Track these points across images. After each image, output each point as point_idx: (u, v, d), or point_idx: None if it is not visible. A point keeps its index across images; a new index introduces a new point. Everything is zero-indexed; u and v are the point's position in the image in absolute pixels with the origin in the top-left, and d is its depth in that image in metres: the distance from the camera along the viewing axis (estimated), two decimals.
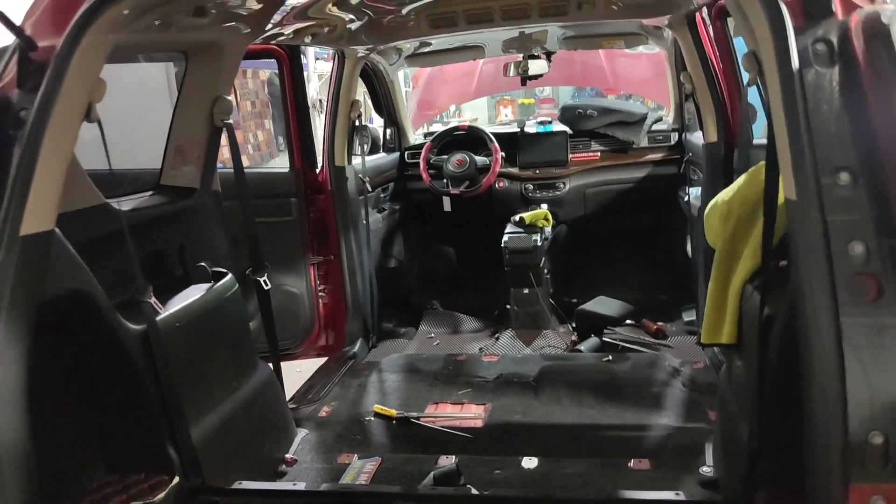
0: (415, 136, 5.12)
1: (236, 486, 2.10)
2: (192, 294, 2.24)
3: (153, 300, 1.98)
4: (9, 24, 1.55)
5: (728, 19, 3.28)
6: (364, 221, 4.05)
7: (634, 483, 2.31)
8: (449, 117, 14.77)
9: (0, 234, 1.45)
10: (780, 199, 1.79)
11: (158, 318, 2.01)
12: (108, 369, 1.92)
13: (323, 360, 4.02)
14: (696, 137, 3.88)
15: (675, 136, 4.50)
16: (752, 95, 3.07)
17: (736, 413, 1.96)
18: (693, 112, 4.10)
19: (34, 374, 1.52)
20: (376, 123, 5.06)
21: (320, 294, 3.97)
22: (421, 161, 4.60)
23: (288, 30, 2.90)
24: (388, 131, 4.85)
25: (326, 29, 3.17)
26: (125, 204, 2.16)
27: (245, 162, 8.49)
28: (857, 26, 1.19)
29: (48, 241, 1.57)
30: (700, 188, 3.73)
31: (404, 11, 3.23)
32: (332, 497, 2.07)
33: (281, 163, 7.76)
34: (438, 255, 5.13)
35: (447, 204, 4.66)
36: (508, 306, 4.29)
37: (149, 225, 2.25)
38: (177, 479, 2.00)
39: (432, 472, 2.34)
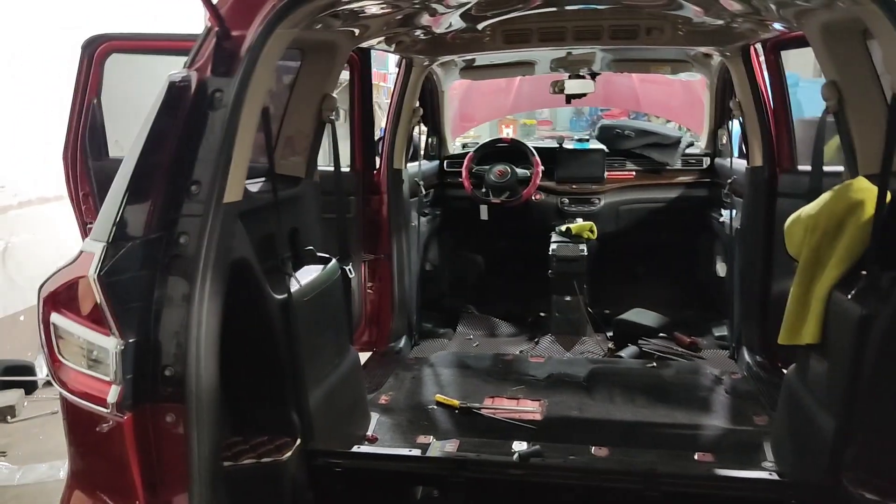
0: (453, 146, 5.32)
1: (354, 449, 2.25)
2: (310, 274, 2.40)
3: (295, 274, 2.14)
4: (212, 9, 1.72)
5: (781, 53, 3.53)
6: (414, 224, 4.22)
7: (705, 472, 2.49)
8: (464, 136, 15.03)
9: (207, 201, 1.62)
10: (866, 214, 2.03)
11: (294, 290, 2.17)
12: (253, 334, 2.07)
13: (365, 354, 4.18)
14: (737, 163, 4.11)
15: (706, 161, 4.74)
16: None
17: (813, 407, 2.16)
18: (725, 138, 4.35)
19: (222, 332, 1.68)
20: None
21: (368, 291, 4.13)
22: (463, 170, 4.78)
23: (381, 35, 3.09)
24: (430, 140, 5.04)
25: (408, 38, 3.36)
26: (253, 187, 2.32)
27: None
28: None
29: (237, 210, 1.74)
30: (735, 210, 3.96)
31: (481, 26, 3.44)
32: (445, 463, 2.23)
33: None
34: (468, 262, 5.31)
35: (484, 212, 4.85)
36: (544, 313, 4.48)
37: (267, 207, 2.41)
38: (298, 441, 2.15)
39: (517, 453, 2.50)
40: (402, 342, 4.15)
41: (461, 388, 3.45)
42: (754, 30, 3.16)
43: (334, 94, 2.78)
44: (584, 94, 4.57)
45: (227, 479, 1.85)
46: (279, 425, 2.13)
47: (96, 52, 3.56)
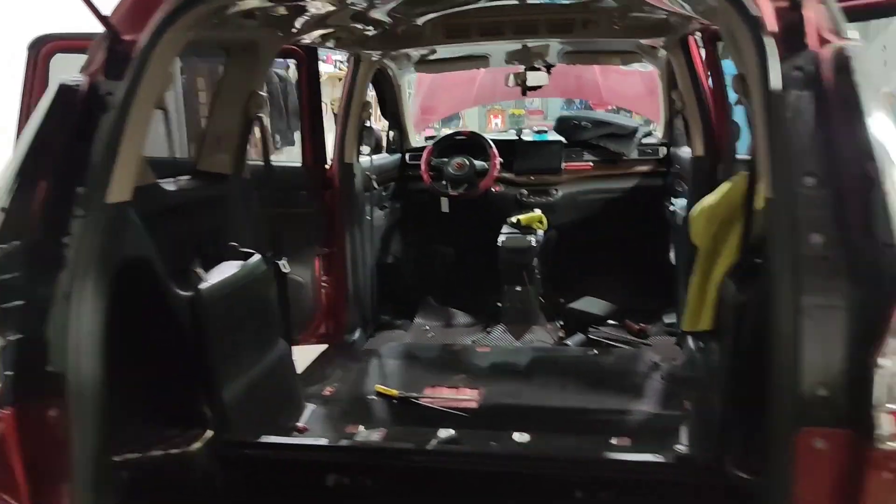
0: (416, 140, 5.37)
1: (263, 439, 2.32)
2: (228, 269, 2.46)
3: (200, 270, 2.20)
4: (100, 17, 1.78)
5: (718, 43, 3.58)
6: (368, 217, 4.28)
7: (594, 456, 2.55)
8: (446, 125, 15.07)
9: (89, 202, 1.68)
10: (758, 203, 2.08)
11: (202, 287, 2.23)
12: (158, 332, 2.13)
13: (321, 347, 4.24)
14: (684, 152, 4.17)
15: (663, 151, 4.78)
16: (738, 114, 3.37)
17: (708, 391, 2.23)
18: (681, 128, 4.40)
19: (111, 332, 1.74)
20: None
21: (323, 284, 4.19)
22: (422, 163, 4.83)
23: (316, 33, 3.14)
24: (392, 133, 5.09)
25: (348, 34, 3.41)
26: (169, 185, 2.38)
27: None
28: (828, 58, 1.46)
29: (126, 210, 1.79)
30: (685, 199, 4.02)
31: (420, 22, 3.48)
32: (354, 452, 2.30)
33: (277, 159, 7.93)
34: (434, 254, 5.36)
35: (445, 205, 4.90)
36: (500, 303, 4.54)
37: (188, 206, 2.47)
38: (209, 433, 2.22)
39: (435, 440, 2.57)
40: (357, 334, 4.21)
41: (404, 378, 3.52)
42: (686, 23, 3.21)
43: (261, 93, 2.83)
44: (541, 87, 4.62)
45: (125, 473, 1.92)
46: (191, 418, 2.20)
47: (41, 52, 3.60)
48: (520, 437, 2.78)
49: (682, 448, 2.58)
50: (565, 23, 3.40)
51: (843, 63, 1.45)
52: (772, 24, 1.53)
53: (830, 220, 1.38)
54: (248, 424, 2.42)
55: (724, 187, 2.27)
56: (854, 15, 1.66)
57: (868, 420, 1.28)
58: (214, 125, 2.75)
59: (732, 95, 3.75)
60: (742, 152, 3.47)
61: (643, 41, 3.97)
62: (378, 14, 2.94)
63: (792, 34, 1.50)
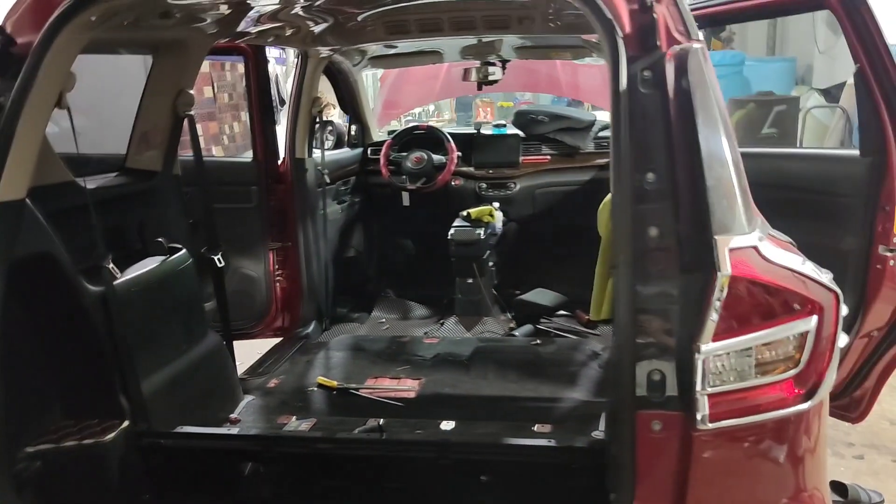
0: (379, 134, 5.42)
1: (178, 430, 2.39)
2: (149, 264, 2.53)
3: (111, 266, 2.27)
4: None
5: None
6: (322, 212, 4.34)
7: (492, 441, 2.62)
8: (428, 117, 15.09)
9: None
10: None
11: (116, 282, 2.29)
12: (68, 325, 2.20)
13: (277, 340, 4.31)
14: None
15: None
16: None
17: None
18: None
19: (4, 326, 1.80)
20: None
21: (278, 278, 4.25)
22: (381, 157, 4.88)
23: (252, 31, 3.18)
24: (353, 128, 5.14)
25: (290, 31, 3.46)
26: (91, 182, 2.44)
27: (219, 152, 8.75)
28: (671, 59, 1.52)
29: (20, 208, 1.85)
30: None
31: (360, 18, 3.53)
32: (259, 440, 2.37)
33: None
34: (396, 247, 5.43)
35: (405, 199, 4.95)
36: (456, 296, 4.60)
37: (112, 202, 2.53)
38: (125, 423, 2.29)
39: (357, 429, 2.64)
40: (311, 327, 4.28)
41: (348, 369, 3.59)
42: None
43: (191, 91, 2.89)
44: (496, 82, 4.67)
45: (38, 462, 1.99)
46: (107, 409, 2.27)
47: None
48: (446, 425, 2.84)
49: (598, 434, 2.64)
50: (501, 19, 3.44)
51: (681, 63, 1.50)
52: (625, 26, 1.58)
53: (667, 213, 1.43)
54: (172, 416, 2.49)
55: None
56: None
57: (692, 403, 1.35)
58: (143, 123, 2.81)
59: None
60: None
61: (584, 37, 4.01)
62: (303, 11, 2.98)
63: (644, 36, 1.56)
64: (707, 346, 1.32)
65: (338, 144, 5.02)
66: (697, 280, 1.36)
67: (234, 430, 2.52)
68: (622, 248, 1.45)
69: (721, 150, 1.41)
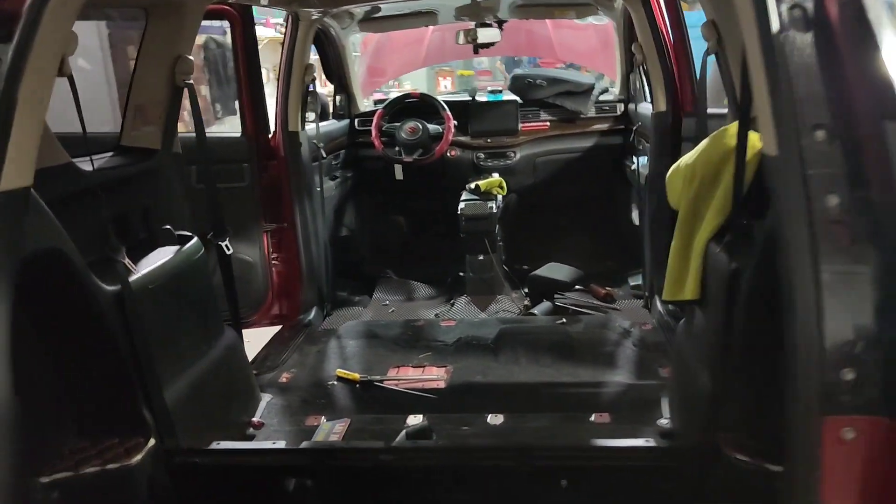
0: (364, 104, 5.08)
1: (213, 446, 2.10)
2: (161, 256, 2.20)
3: (126, 260, 1.94)
4: None
5: None
6: (318, 188, 4.02)
7: (597, 434, 2.42)
8: (388, 88, 14.64)
9: None
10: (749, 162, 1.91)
11: (132, 278, 1.97)
12: (81, 331, 1.88)
13: (275, 328, 4.00)
14: (643, 107, 4.00)
15: (620, 107, 4.62)
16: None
17: (695, 364, 2.08)
18: (639, 83, 4.23)
19: (12, 336, 1.48)
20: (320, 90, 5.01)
21: (274, 262, 3.94)
22: (373, 128, 4.57)
23: None
24: (339, 98, 4.80)
25: None
26: (86, 164, 2.09)
27: (182, 128, 8.23)
28: None
29: (26, 197, 1.52)
30: (646, 157, 3.87)
31: None
32: (310, 454, 2.09)
33: (217, 131, 7.52)
34: (389, 224, 5.14)
35: (399, 172, 4.66)
36: (462, 273, 4.36)
37: (112, 186, 2.19)
38: (152, 441, 1.98)
39: (404, 430, 2.39)
40: (313, 313, 3.99)
41: (366, 359, 3.32)
42: None
43: (190, 57, 2.54)
44: (493, 44, 4.37)
45: (55, 493, 1.68)
46: (129, 426, 1.96)
47: None
48: (494, 419, 2.62)
49: (664, 423, 2.45)
50: None
51: None
52: None
53: (845, 177, 1.21)
54: (197, 427, 2.20)
55: (702, 144, 2.10)
56: None
57: None
58: (138, 95, 2.46)
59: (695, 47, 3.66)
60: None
61: None
62: None
63: None
64: None
65: (322, 116, 4.66)
66: None
67: (280, 444, 2.23)
68: (790, 223, 1.22)
69: None
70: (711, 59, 2.43)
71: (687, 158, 2.13)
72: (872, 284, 1.17)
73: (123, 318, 1.92)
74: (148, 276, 2.05)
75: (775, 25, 1.29)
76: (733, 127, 2.02)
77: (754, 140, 1.86)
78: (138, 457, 1.90)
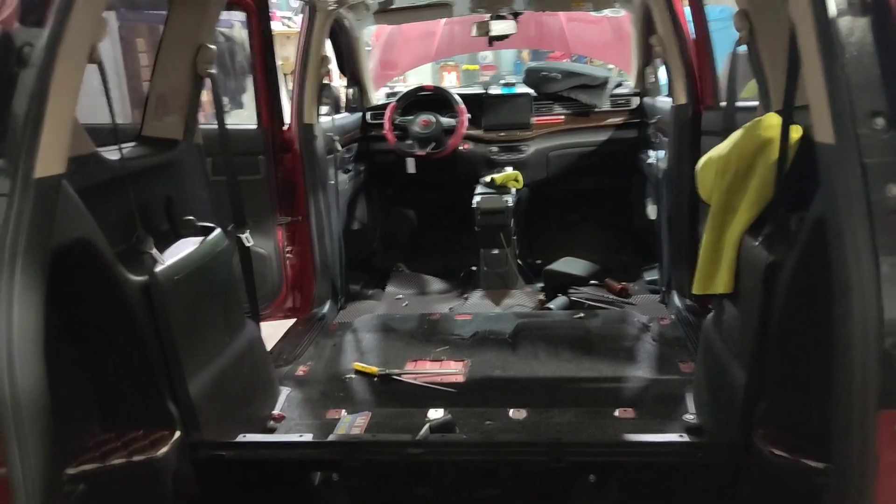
0: (376, 97, 5.05)
1: (240, 439, 2.08)
2: (185, 247, 2.17)
3: (154, 251, 1.92)
4: None
5: None
6: (332, 181, 3.99)
7: (623, 430, 2.40)
8: (394, 82, 14.59)
9: (13, 177, 1.37)
10: (776, 153, 1.88)
11: (157, 269, 1.94)
12: (108, 322, 1.85)
13: (289, 322, 3.97)
14: (660, 101, 3.97)
15: (635, 101, 4.58)
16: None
17: (727, 359, 2.05)
18: (654, 76, 4.19)
19: (42, 328, 1.46)
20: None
21: (287, 255, 3.91)
22: (386, 121, 4.54)
23: None
24: (351, 91, 4.77)
25: None
26: (112, 154, 2.07)
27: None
28: None
29: (59, 185, 1.50)
30: (663, 151, 3.84)
31: None
32: (337, 447, 2.07)
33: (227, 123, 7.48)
34: (400, 218, 5.12)
35: (411, 166, 4.63)
36: (475, 267, 4.33)
37: (134, 176, 2.16)
38: (178, 434, 1.96)
39: (428, 424, 2.36)
40: (327, 307, 3.96)
41: (383, 353, 3.30)
42: None
43: (212, 45, 2.50)
44: (507, 36, 4.34)
45: (83, 485, 1.66)
46: (155, 418, 1.94)
47: None
48: (516, 413, 2.60)
49: (690, 418, 2.43)
50: None
51: None
52: None
53: None
54: (220, 420, 2.17)
55: (735, 136, 2.07)
56: None
57: None
58: (160, 85, 2.43)
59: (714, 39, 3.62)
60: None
61: None
62: None
63: None
64: None
65: (335, 109, 4.63)
66: None
67: (307, 437, 2.21)
68: (846, 214, 1.19)
69: None
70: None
71: (720, 150, 2.10)
72: None
73: (150, 309, 1.90)
74: (174, 267, 2.02)
75: (832, 10, 1.26)
76: (768, 118, 1.99)
77: (791, 130, 1.83)
78: (164, 449, 1.88)
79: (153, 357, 1.92)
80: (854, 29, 1.26)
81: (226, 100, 8.77)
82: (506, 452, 1.96)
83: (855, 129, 1.21)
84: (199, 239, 2.25)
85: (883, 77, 1.23)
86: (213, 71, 2.51)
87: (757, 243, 1.82)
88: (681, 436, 2.06)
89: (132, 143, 2.33)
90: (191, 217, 2.32)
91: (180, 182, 2.42)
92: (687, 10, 3.44)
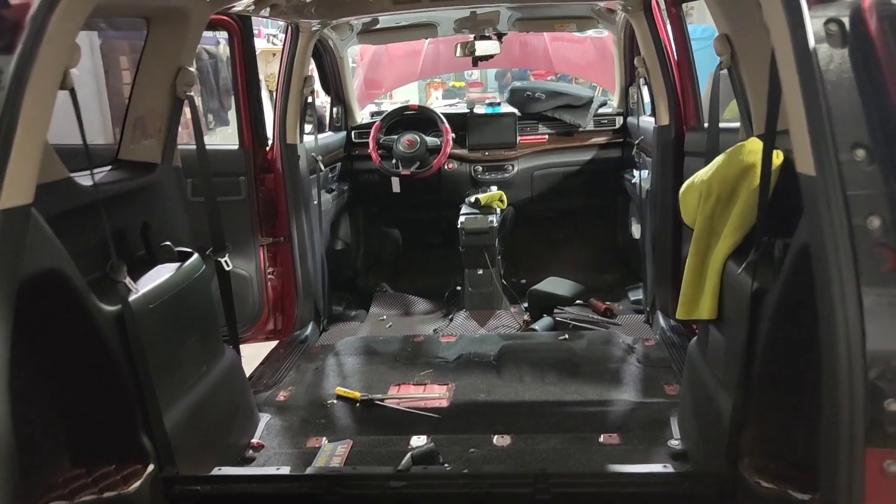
0: (360, 116, 5.04)
1: (215, 472, 2.02)
2: (162, 274, 2.13)
3: (127, 280, 1.87)
4: None
5: (683, 5, 3.37)
6: (315, 201, 3.96)
7: (608, 457, 2.37)
8: (381, 99, 14.62)
9: None
10: (759, 178, 1.87)
11: (132, 298, 1.90)
12: (79, 354, 1.80)
13: (271, 344, 3.92)
14: (644, 121, 3.98)
15: (619, 120, 4.60)
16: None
17: (712, 385, 2.03)
18: (637, 96, 4.21)
19: (10, 361, 1.41)
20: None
21: (269, 276, 3.87)
22: (370, 141, 4.52)
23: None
24: (335, 110, 4.75)
25: (284, 1, 3.06)
26: (86, 179, 2.02)
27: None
28: (869, 7, 1.24)
29: (27, 215, 1.45)
30: (647, 170, 3.84)
31: None
32: (315, 480, 2.02)
33: (211, 142, 7.45)
34: (385, 237, 5.09)
35: (396, 185, 4.61)
36: (460, 287, 4.30)
37: (110, 201, 2.11)
38: (151, 467, 1.90)
39: (410, 453, 2.32)
40: (309, 329, 3.91)
41: (365, 377, 3.25)
42: None
43: (191, 68, 2.47)
44: (492, 56, 4.35)
45: None
46: (127, 452, 1.88)
47: None
48: (500, 440, 2.56)
49: (675, 444, 2.40)
50: None
51: (888, 12, 1.23)
52: None
53: (887, 198, 1.17)
54: (197, 452, 2.12)
55: (717, 161, 2.06)
56: None
57: None
58: (138, 107, 2.39)
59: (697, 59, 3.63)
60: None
61: (600, 4, 3.74)
62: None
63: None
64: None
65: (318, 128, 4.61)
66: None
67: (284, 470, 2.15)
68: (830, 246, 1.18)
69: None
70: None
71: (702, 174, 2.09)
72: None
73: (124, 339, 1.85)
74: (148, 296, 1.98)
75: (811, 40, 1.25)
76: (751, 143, 1.98)
77: (774, 155, 1.82)
78: (136, 484, 1.82)
79: (127, 389, 1.87)
80: (833, 59, 1.25)
81: (211, 117, 8.76)
82: (490, 484, 1.92)
83: (837, 160, 1.19)
84: (176, 265, 2.21)
85: (864, 108, 1.21)
86: (192, 94, 2.48)
87: (741, 269, 1.81)
88: (665, 466, 2.03)
89: (108, 168, 2.29)
90: (168, 243, 2.28)
91: (158, 206, 2.38)
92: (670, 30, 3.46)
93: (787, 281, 1.56)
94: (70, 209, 1.85)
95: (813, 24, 1.27)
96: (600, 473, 2.10)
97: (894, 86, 1.21)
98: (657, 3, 3.45)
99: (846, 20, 1.27)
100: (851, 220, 1.16)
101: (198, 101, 9.32)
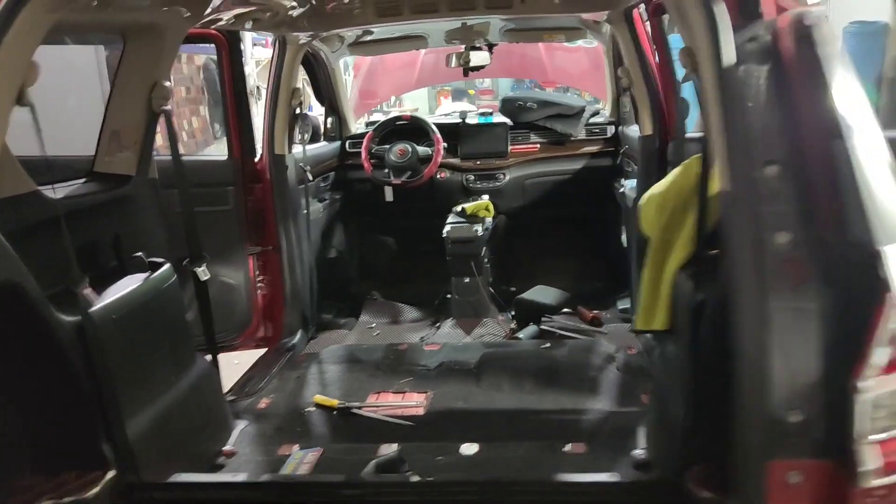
0: (356, 126, 5.09)
1: (173, 479, 2.06)
2: (129, 285, 2.18)
3: (87, 291, 1.92)
4: None
5: (664, 16, 3.39)
6: (304, 211, 4.01)
7: (571, 466, 2.38)
8: (389, 107, 14.73)
9: None
10: (713, 189, 1.88)
11: (93, 309, 1.95)
12: (38, 364, 1.85)
13: (262, 351, 3.97)
14: (632, 130, 3.99)
15: (611, 129, 4.61)
16: (687, 90, 3.17)
17: (668, 395, 2.05)
18: (629, 105, 4.22)
19: None
20: (316, 111, 5.03)
21: (259, 285, 3.92)
22: (363, 150, 4.57)
23: (228, 14, 2.84)
24: (329, 120, 4.81)
25: (268, 14, 3.11)
26: (58, 191, 2.08)
27: (180, 150, 8.28)
28: (787, 27, 1.26)
29: None
30: (635, 180, 3.85)
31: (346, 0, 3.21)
32: (271, 488, 2.05)
33: (217, 151, 7.58)
34: (378, 246, 5.13)
35: (388, 194, 4.65)
36: (449, 296, 4.33)
37: (82, 214, 2.17)
38: (111, 474, 1.95)
39: (374, 461, 2.35)
40: (297, 337, 3.95)
41: (346, 385, 3.28)
42: None
43: (167, 83, 2.53)
44: (483, 67, 4.38)
45: None
46: (87, 459, 1.93)
47: None
48: (468, 448, 2.58)
49: (640, 453, 2.40)
50: None
51: (803, 32, 1.24)
52: None
53: (797, 215, 1.18)
54: (163, 459, 2.16)
55: (674, 172, 2.08)
56: None
57: (850, 452, 1.09)
58: (113, 121, 2.45)
59: (680, 71, 3.64)
60: (692, 130, 3.32)
61: (585, 16, 3.77)
62: None
63: (745, 2, 1.30)
64: (866, 384, 1.07)
65: (313, 138, 4.67)
66: (848, 297, 1.11)
67: (241, 478, 2.19)
68: (741, 259, 1.20)
69: (875, 136, 1.16)
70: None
71: (659, 187, 2.11)
72: (821, 324, 1.14)
73: (84, 349, 1.90)
74: (111, 306, 2.02)
75: (730, 58, 1.28)
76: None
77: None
78: (94, 490, 1.86)
79: (86, 398, 1.92)
80: (753, 78, 1.27)
81: (218, 126, 8.87)
82: (445, 493, 1.95)
83: (750, 177, 1.21)
84: (144, 275, 2.26)
85: (778, 127, 1.23)
86: (168, 107, 2.53)
87: (687, 281, 1.83)
88: (613, 475, 2.04)
89: (82, 180, 2.35)
90: (139, 254, 2.33)
91: (132, 218, 2.43)
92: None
93: (724, 294, 1.57)
94: (35, 222, 1.91)
95: (735, 40, 1.29)
96: (552, 482, 2.12)
97: (809, 104, 1.23)
98: (639, 14, 3.47)
99: (765, 39, 1.29)
100: (760, 235, 1.18)
101: (205, 112, 9.49)
